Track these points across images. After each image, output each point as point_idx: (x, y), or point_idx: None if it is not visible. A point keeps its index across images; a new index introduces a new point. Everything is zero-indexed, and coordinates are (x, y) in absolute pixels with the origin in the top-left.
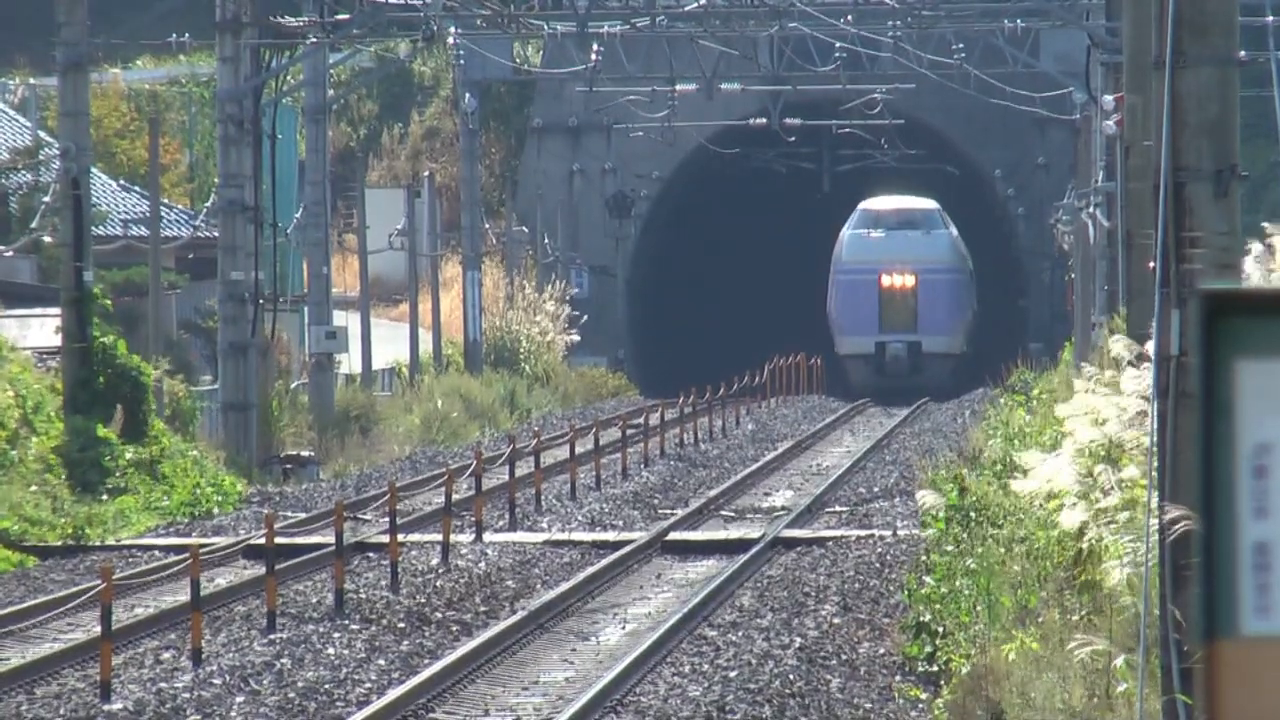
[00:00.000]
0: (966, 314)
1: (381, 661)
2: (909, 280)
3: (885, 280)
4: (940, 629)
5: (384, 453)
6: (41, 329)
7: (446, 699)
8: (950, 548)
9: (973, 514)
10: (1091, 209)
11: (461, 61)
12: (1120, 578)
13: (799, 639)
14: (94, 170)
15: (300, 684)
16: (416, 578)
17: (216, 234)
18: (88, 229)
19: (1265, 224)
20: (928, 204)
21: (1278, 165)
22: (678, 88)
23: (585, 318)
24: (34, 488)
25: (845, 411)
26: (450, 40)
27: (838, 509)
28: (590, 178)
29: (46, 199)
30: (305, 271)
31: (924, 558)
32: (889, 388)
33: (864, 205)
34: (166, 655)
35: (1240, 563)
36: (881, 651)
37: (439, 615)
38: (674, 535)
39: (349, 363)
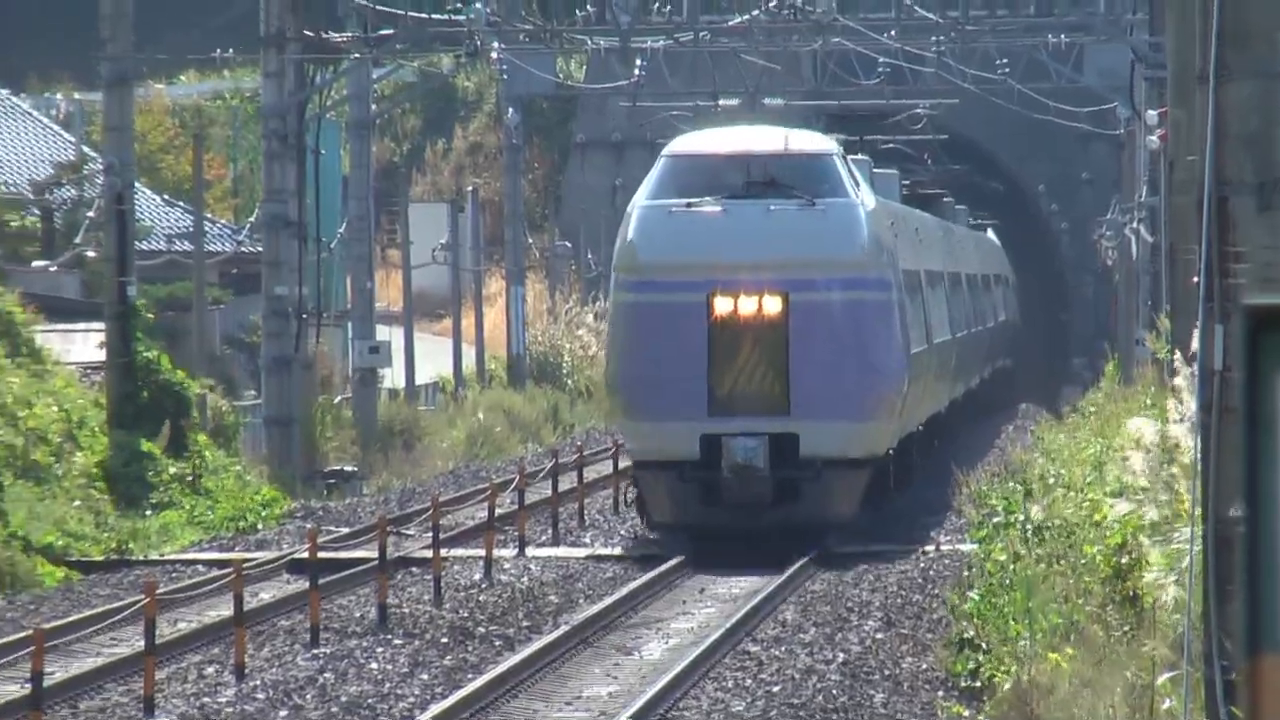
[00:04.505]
0: (899, 370)
1: (424, 676)
2: (772, 305)
3: (720, 304)
4: (984, 644)
5: (427, 467)
6: (85, 344)
7: (490, 714)
8: (1003, 558)
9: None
10: (1135, 224)
11: (504, 76)
12: (1169, 594)
13: (842, 654)
14: (138, 185)
15: (343, 699)
16: (459, 592)
17: (260, 249)
18: (131, 244)
19: None
20: (815, 143)
21: None
22: (721, 102)
23: None
24: (78, 503)
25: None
26: (493, 55)
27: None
28: (633, 192)
29: (91, 214)
30: (349, 286)
31: (967, 573)
32: (731, 529)
33: (675, 147)
34: (210, 670)
35: None
36: (924, 667)
37: (482, 630)
38: (716, 550)
39: (392, 377)
